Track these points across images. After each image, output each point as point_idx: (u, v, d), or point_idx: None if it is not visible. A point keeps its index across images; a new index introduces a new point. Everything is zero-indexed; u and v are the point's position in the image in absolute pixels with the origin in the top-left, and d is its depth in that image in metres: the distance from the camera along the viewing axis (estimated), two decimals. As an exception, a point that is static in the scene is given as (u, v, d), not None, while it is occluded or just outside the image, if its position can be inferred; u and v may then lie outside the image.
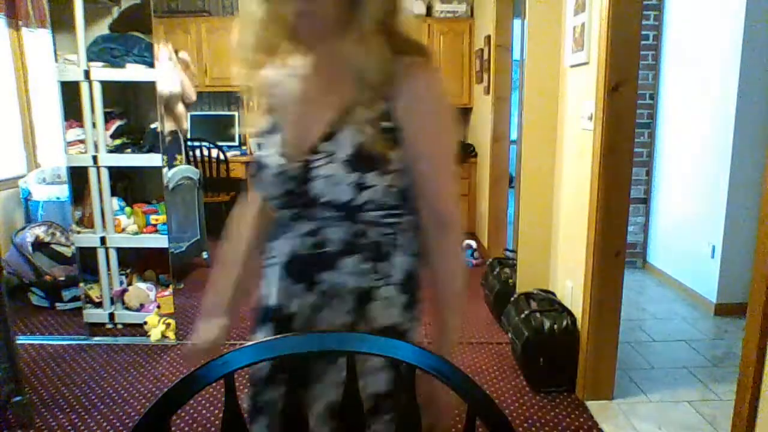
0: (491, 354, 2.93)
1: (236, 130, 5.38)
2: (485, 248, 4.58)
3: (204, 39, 5.10)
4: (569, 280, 2.73)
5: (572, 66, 2.68)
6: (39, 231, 3.65)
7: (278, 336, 0.84)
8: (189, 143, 4.58)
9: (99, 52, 3.02)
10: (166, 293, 3.28)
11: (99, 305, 3.25)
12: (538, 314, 2.58)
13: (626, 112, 2.27)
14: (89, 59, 2.97)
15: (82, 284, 3.24)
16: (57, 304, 3.53)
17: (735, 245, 3.35)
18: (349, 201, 0.88)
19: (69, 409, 2.42)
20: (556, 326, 2.51)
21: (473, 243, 4.53)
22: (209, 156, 4.70)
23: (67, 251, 3.68)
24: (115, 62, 3.02)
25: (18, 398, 2.25)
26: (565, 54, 2.78)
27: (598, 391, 2.47)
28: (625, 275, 2.43)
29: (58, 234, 3.74)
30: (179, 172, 3.91)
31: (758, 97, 3.22)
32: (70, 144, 3.10)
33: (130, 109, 3.59)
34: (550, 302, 2.68)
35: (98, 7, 3.29)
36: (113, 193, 3.16)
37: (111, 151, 3.11)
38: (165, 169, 3.42)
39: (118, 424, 2.32)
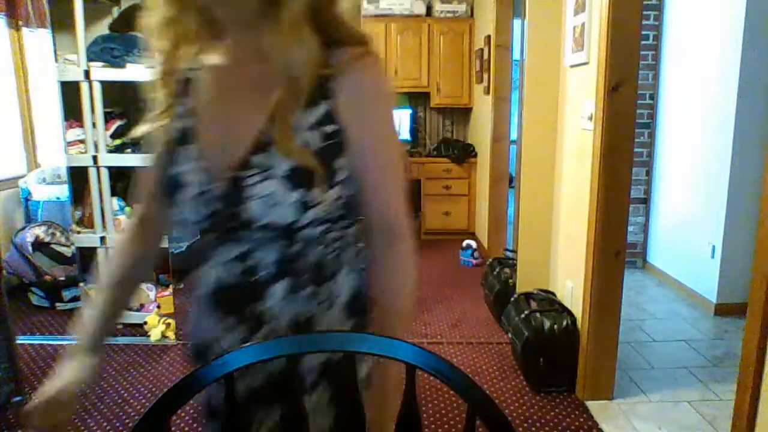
0: (491, 354, 2.93)
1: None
2: (485, 248, 4.58)
3: (204, 39, 5.10)
4: (569, 280, 2.73)
5: (572, 66, 2.68)
6: (39, 231, 3.65)
7: (278, 336, 0.83)
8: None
9: (99, 52, 3.02)
10: (166, 293, 3.28)
11: (99, 305, 3.25)
12: (538, 314, 2.59)
13: (626, 112, 2.27)
14: (89, 59, 2.97)
15: (82, 284, 3.24)
16: (57, 304, 3.53)
17: (735, 245, 3.35)
18: (291, 223, 0.75)
19: (69, 409, 2.42)
20: (556, 326, 2.51)
21: (473, 243, 4.54)
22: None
23: (67, 251, 3.68)
24: (115, 62, 3.02)
25: (18, 398, 2.25)
26: (565, 54, 2.78)
27: (598, 391, 2.47)
28: (625, 275, 2.43)
29: (58, 234, 3.74)
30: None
31: (758, 97, 3.22)
32: (70, 144, 3.10)
33: (130, 109, 3.59)
34: (550, 302, 2.68)
35: (98, 7, 3.29)
36: (113, 193, 3.16)
37: (111, 151, 3.11)
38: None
39: (118, 424, 2.32)
